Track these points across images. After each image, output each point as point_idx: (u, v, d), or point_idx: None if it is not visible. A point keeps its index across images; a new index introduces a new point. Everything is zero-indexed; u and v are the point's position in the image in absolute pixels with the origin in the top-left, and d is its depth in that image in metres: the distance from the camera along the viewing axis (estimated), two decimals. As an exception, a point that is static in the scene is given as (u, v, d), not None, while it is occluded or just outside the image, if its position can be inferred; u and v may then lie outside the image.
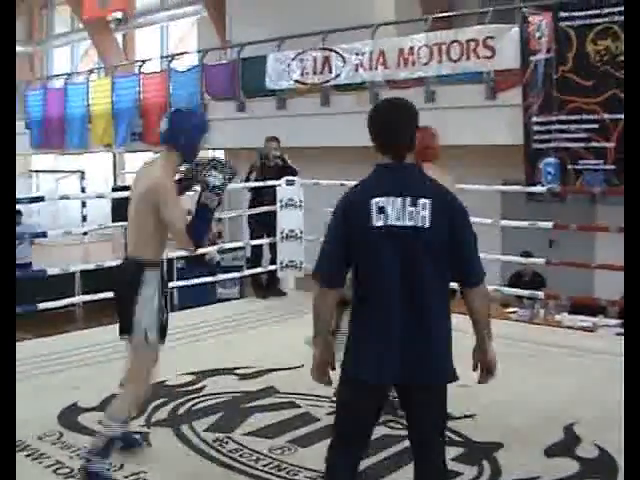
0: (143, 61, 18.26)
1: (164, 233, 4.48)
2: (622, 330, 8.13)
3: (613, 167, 10.05)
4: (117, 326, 4.57)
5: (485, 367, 3.59)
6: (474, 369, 3.59)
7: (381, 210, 3.35)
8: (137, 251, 4.51)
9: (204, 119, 4.74)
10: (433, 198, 3.37)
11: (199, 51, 17.73)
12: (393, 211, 3.34)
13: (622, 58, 9.86)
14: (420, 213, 3.34)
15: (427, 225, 3.33)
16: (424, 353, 3.39)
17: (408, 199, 3.35)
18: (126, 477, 4.57)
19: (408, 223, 3.33)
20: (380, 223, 3.34)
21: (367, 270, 3.42)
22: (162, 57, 19.89)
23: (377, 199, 3.36)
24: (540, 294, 8.64)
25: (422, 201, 3.35)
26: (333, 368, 3.62)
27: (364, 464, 4.66)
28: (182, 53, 18.93)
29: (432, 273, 3.37)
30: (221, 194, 4.43)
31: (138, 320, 4.44)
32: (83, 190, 21.76)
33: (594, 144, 10.24)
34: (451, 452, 4.90)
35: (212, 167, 4.42)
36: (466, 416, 5.40)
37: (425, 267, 3.36)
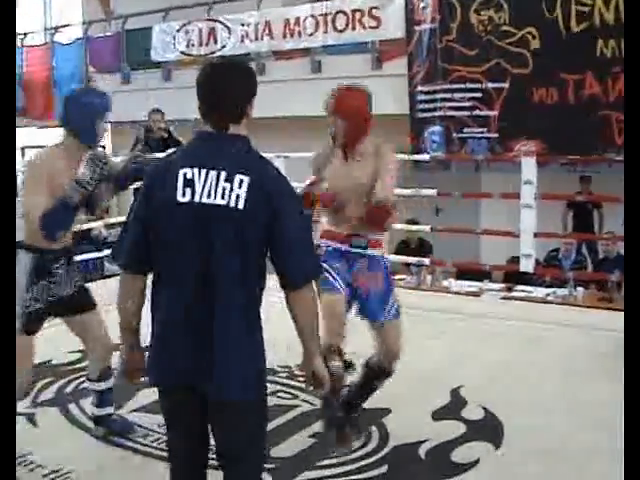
0: (25, 34, 17.78)
1: None
2: (507, 294, 8.31)
3: (496, 135, 10.24)
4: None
5: (314, 383, 3.06)
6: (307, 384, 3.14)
7: (188, 183, 2.80)
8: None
9: (99, 98, 4.33)
10: (253, 175, 2.78)
11: (83, 23, 17.34)
12: (204, 185, 2.79)
13: (505, 28, 10.03)
14: (235, 191, 2.77)
15: (241, 206, 2.75)
16: (213, 363, 2.81)
17: (223, 173, 2.78)
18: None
19: (219, 202, 2.77)
20: (186, 199, 2.79)
21: (166, 255, 2.85)
22: (45, 29, 19.36)
23: (186, 170, 2.82)
24: (426, 261, 8.76)
25: (239, 177, 2.77)
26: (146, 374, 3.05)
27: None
28: (65, 25, 18.44)
29: (240, 265, 2.79)
30: (86, 189, 4.10)
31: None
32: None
33: (478, 112, 10.39)
34: (339, 419, 4.98)
35: (87, 160, 4.11)
36: (354, 383, 5.45)
37: (232, 257, 2.78)
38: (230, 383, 2.83)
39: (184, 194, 2.80)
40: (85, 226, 10.52)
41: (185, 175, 2.81)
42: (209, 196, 2.78)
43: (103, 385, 4.70)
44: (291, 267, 2.85)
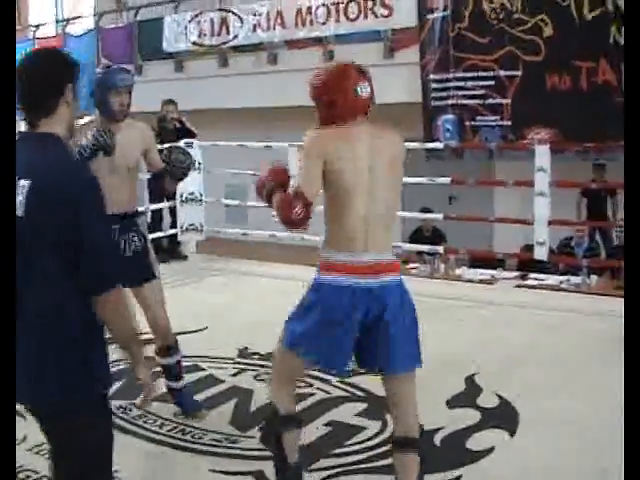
0: (37, 26, 17.82)
1: None
2: (521, 282, 8.31)
3: (509, 123, 10.20)
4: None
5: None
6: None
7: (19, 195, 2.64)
8: None
9: (108, 74, 4.58)
10: (35, 179, 2.59)
11: (95, 14, 17.37)
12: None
13: (517, 15, 9.99)
14: (18, 197, 2.61)
15: (20, 214, 2.60)
16: (29, 373, 2.71)
17: (20, 181, 2.63)
18: (29, 449, 4.50)
19: (18, 212, 2.62)
20: (20, 212, 2.63)
21: None
22: (57, 21, 19.39)
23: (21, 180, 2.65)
24: (440, 249, 8.75)
25: (22, 183, 2.60)
26: None
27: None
28: (77, 17, 18.48)
29: (32, 275, 2.62)
30: (81, 156, 4.28)
31: None
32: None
33: (490, 100, 10.36)
34: (354, 408, 4.99)
35: (93, 130, 4.37)
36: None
37: (25, 267, 2.62)
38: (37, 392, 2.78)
39: (19, 206, 2.64)
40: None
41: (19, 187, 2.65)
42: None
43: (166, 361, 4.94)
44: (90, 272, 2.63)
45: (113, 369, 5.67)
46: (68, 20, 17.70)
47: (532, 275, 8.52)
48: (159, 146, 9.24)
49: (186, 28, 13.74)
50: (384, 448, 4.44)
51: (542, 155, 7.78)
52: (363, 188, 3.47)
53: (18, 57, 2.76)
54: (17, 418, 4.87)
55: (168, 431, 4.72)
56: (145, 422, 4.85)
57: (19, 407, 4.78)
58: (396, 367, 3.51)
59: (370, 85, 3.60)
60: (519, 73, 10.07)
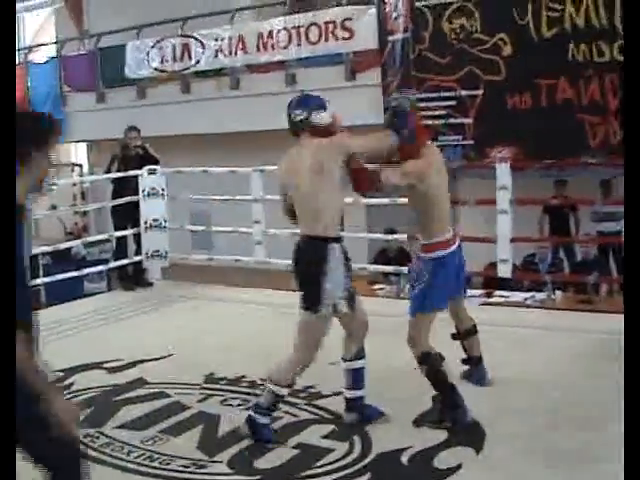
0: (-2, 54, 17.75)
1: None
2: (486, 299, 8.34)
3: (471, 142, 10.29)
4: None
5: None
6: None
7: None
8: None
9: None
10: None
11: (56, 42, 17.34)
12: None
13: (476, 35, 10.09)
14: None
15: None
16: None
17: None
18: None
19: None
20: None
21: None
22: (19, 50, 19.33)
23: None
24: (405, 269, 8.77)
25: None
26: None
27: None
28: (39, 45, 18.44)
29: None
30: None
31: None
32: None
33: (452, 120, 10.44)
34: (322, 430, 4.98)
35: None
36: (335, 394, 5.44)
37: None
38: None
39: None
40: (63, 245, 10.50)
41: None
42: None
43: (360, 363, 5.04)
44: None
45: (80, 397, 5.69)
46: (30, 48, 17.65)
47: (497, 292, 8.56)
48: (122, 174, 9.35)
49: (148, 54, 13.75)
50: (353, 469, 4.45)
51: (503, 173, 7.85)
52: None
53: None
54: None
55: (135, 458, 4.69)
56: (112, 450, 4.82)
57: None
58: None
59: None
60: (480, 92, 10.16)
